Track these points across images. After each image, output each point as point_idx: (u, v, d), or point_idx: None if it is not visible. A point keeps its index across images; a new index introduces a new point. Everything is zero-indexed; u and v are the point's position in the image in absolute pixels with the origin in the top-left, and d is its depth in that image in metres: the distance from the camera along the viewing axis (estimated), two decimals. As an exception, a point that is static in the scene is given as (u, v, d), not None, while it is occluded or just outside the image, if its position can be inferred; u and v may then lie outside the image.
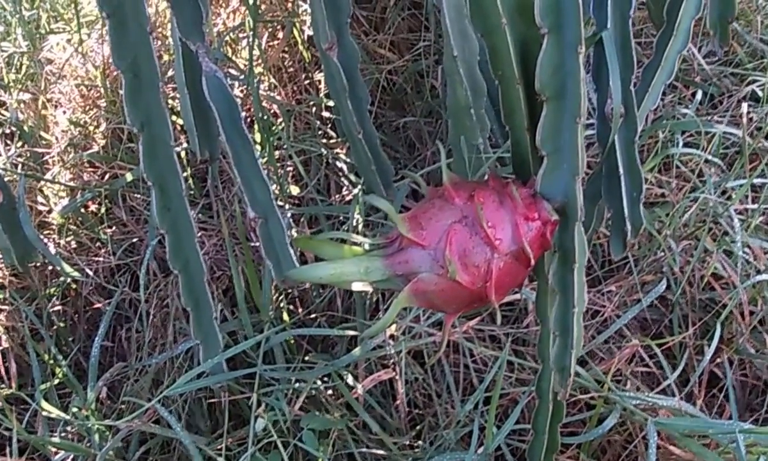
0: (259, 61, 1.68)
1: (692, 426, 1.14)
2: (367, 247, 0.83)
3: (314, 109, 1.65)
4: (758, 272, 1.38)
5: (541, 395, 1.01)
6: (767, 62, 1.75)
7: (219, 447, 1.24)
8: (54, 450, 1.28)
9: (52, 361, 1.37)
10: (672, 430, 1.13)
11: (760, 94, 1.68)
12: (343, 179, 1.55)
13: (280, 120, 1.63)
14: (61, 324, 1.48)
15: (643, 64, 1.09)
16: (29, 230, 1.34)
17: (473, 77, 1.22)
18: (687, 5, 1.08)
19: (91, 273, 1.50)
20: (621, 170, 0.97)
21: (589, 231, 1.02)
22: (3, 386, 1.39)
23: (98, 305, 1.51)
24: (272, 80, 1.70)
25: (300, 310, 1.44)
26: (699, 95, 1.62)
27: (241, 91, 1.72)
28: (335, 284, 0.81)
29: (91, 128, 1.69)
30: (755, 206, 1.46)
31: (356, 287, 0.82)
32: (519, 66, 0.82)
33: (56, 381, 1.37)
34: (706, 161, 1.50)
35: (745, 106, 1.53)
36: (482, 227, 0.79)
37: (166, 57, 1.76)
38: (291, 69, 1.73)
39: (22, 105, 1.74)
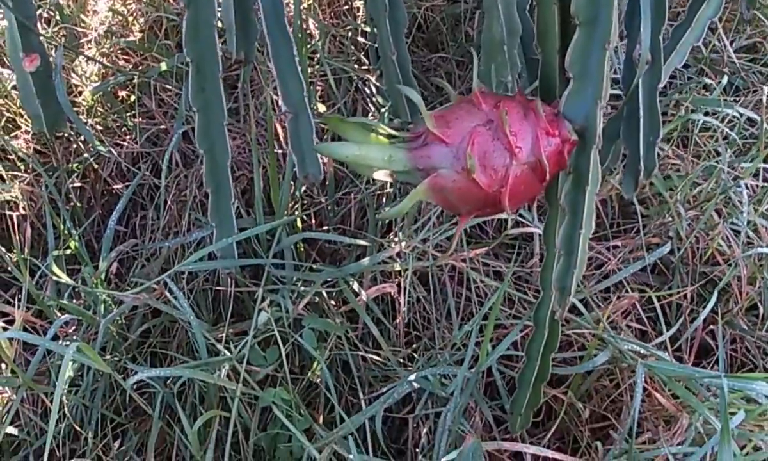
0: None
1: (679, 372, 1.17)
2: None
3: (350, 33, 1.68)
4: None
5: (537, 323, 1.05)
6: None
7: (220, 335, 1.28)
8: (59, 314, 1.32)
9: (66, 233, 1.42)
10: (660, 373, 1.17)
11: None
12: (370, 104, 1.59)
13: (315, 40, 1.66)
14: (78, 203, 1.52)
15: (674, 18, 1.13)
16: (62, 97, 1.37)
17: (510, 15, 1.25)
18: (723, -24, 1.12)
19: (114, 153, 1.54)
20: (641, 113, 1.01)
21: (603, 166, 1.06)
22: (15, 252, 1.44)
23: (118, 186, 1.55)
24: (312, 2, 1.73)
25: (313, 222, 1.48)
26: (725, 81, 1.65)
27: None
28: (358, 166, 0.85)
29: (129, 20, 1.73)
30: (765, 184, 1.50)
31: (377, 175, 0.86)
32: (557, -12, 0.86)
33: (68, 252, 1.42)
34: (724, 138, 1.53)
35: (766, 89, 1.56)
36: (505, 134, 0.82)
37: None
38: (332, -6, 1.77)
39: (62, -10, 1.78)
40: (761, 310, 1.41)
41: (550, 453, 1.16)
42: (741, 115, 1.58)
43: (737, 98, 1.72)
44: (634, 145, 1.03)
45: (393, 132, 0.86)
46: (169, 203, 1.48)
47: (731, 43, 1.81)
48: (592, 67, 0.85)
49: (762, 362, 1.39)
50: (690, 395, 1.16)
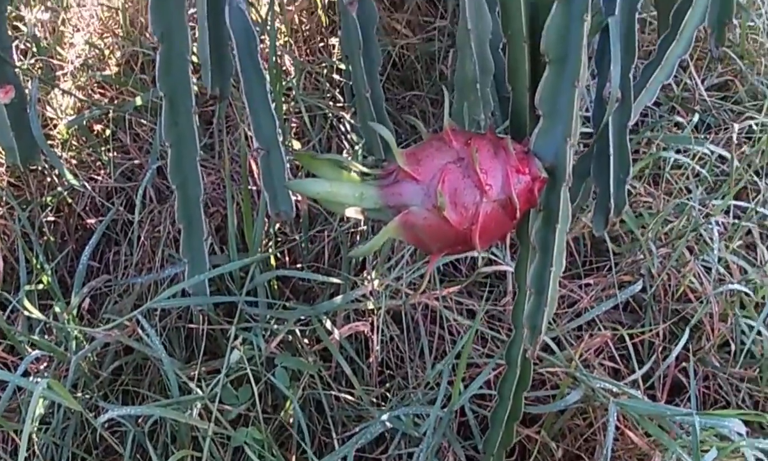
0: (278, 16, 1.72)
1: (652, 411, 1.18)
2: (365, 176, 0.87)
3: (325, 70, 1.69)
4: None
5: (509, 361, 1.05)
6: (766, 103, 1.80)
7: (192, 373, 1.27)
8: (30, 350, 1.31)
9: (38, 267, 1.40)
10: (632, 412, 1.17)
11: (755, 129, 1.74)
12: (344, 141, 1.59)
13: (290, 77, 1.67)
14: (52, 238, 1.51)
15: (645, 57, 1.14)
16: (37, 130, 1.36)
17: (483, 53, 1.26)
18: (692, 13, 1.13)
19: (89, 187, 1.53)
20: (611, 150, 1.01)
21: (574, 204, 1.07)
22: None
23: (91, 221, 1.54)
24: (288, 39, 1.74)
25: (287, 260, 1.47)
26: (696, 118, 1.67)
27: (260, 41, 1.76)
28: (329, 204, 0.85)
29: (106, 53, 1.73)
30: (735, 221, 1.51)
31: (349, 212, 0.86)
32: (527, 27, 0.87)
33: (40, 287, 1.40)
34: (696, 175, 1.55)
35: (737, 128, 1.58)
36: (475, 171, 0.83)
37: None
38: (307, 32, 1.77)
39: (40, 23, 1.78)
40: (733, 347, 1.41)
41: (524, 493, 1.15)
42: (712, 152, 1.59)
43: (708, 136, 1.74)
44: (604, 182, 1.03)
45: (364, 169, 0.87)
46: (142, 238, 1.47)
47: (703, 81, 1.84)
48: (562, 105, 0.86)
49: (734, 399, 1.40)
50: (662, 433, 1.16)
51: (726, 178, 1.61)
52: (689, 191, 1.56)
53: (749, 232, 1.55)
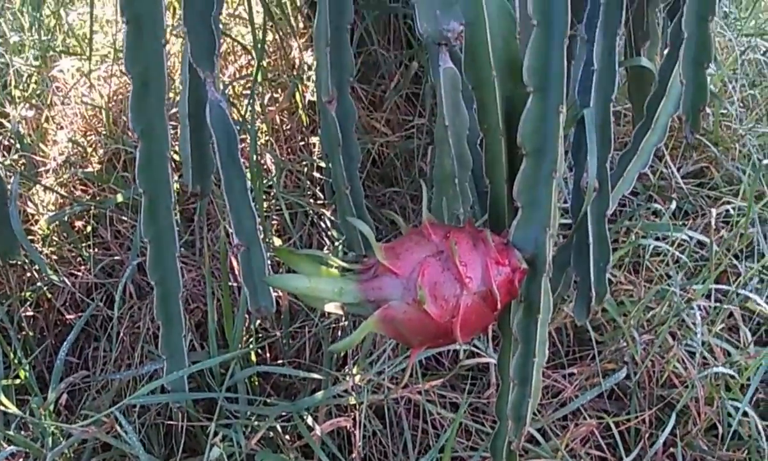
0: (260, 116, 1.74)
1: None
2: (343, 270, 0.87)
3: (306, 169, 1.70)
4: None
5: (494, 453, 1.04)
6: (742, 187, 1.82)
7: (172, 471, 1.25)
8: (5, 445, 1.28)
9: (16, 362, 1.38)
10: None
11: (733, 214, 1.76)
12: (325, 237, 1.60)
13: (271, 175, 1.68)
14: (30, 332, 1.49)
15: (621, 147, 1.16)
16: (17, 225, 1.36)
17: (461, 149, 1.27)
18: (666, 102, 1.15)
19: (68, 283, 1.52)
20: (591, 240, 1.02)
21: (555, 295, 1.07)
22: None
23: (70, 317, 1.53)
24: (269, 139, 1.76)
25: (268, 356, 1.46)
26: (673, 205, 1.69)
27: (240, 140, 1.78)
28: (309, 299, 0.85)
29: (88, 151, 1.74)
30: (717, 304, 1.52)
31: (329, 307, 0.85)
32: (504, 120, 0.88)
33: (17, 381, 1.38)
34: (675, 262, 1.56)
35: (714, 213, 1.60)
36: (455, 264, 0.83)
37: (170, 94, 1.83)
38: (288, 131, 1.79)
39: (24, 121, 1.79)
40: (720, 429, 1.40)
41: None
42: (691, 238, 1.61)
43: (686, 222, 1.76)
44: (585, 272, 1.04)
45: (344, 264, 0.87)
46: (121, 334, 1.46)
47: (678, 169, 1.87)
48: (540, 196, 0.87)
49: (724, 482, 1.38)
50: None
51: (706, 262, 1.62)
52: (669, 277, 1.57)
53: (731, 314, 1.55)
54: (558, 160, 0.85)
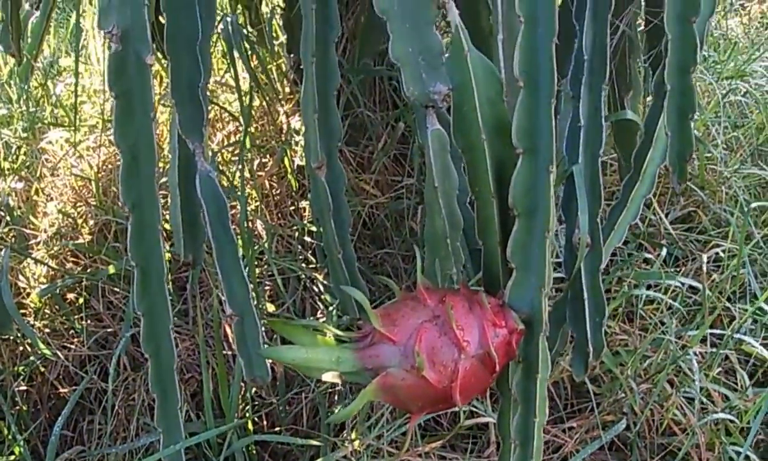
0: (249, 182, 1.75)
1: None
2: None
3: (297, 233, 1.70)
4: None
5: (498, 513, 1.02)
6: (731, 229, 1.83)
7: None
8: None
9: (10, 438, 1.37)
10: None
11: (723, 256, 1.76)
12: (318, 302, 1.59)
13: (262, 240, 1.68)
14: (24, 407, 1.47)
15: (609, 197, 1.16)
16: (8, 299, 1.35)
17: (451, 209, 1.27)
18: (653, 153, 1.16)
19: (61, 356, 1.51)
20: (585, 295, 1.02)
21: (552, 352, 1.06)
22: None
23: (64, 391, 1.51)
24: (259, 204, 1.76)
25: (265, 423, 1.45)
26: (664, 252, 1.70)
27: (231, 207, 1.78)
28: (305, 370, 0.84)
29: (79, 222, 1.73)
30: (713, 349, 1.51)
31: (326, 377, 0.85)
32: (495, 182, 0.88)
33: (11, 457, 1.36)
34: (668, 308, 1.56)
35: (705, 257, 1.60)
36: (452, 328, 0.83)
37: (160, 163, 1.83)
38: (278, 196, 1.80)
39: (13, 193, 1.79)
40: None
41: None
42: (683, 284, 1.61)
43: (677, 268, 1.76)
44: (581, 328, 1.04)
45: (340, 333, 0.86)
46: (116, 407, 1.44)
47: (666, 215, 1.88)
48: (534, 256, 0.87)
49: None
50: None
51: (698, 307, 1.62)
52: (663, 324, 1.57)
53: (727, 358, 1.55)
54: (550, 219, 0.86)
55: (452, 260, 1.33)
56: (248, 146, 1.71)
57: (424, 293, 0.86)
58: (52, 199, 1.83)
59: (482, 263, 0.94)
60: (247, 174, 1.72)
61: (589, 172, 1.06)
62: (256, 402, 1.45)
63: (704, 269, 1.62)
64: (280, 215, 1.77)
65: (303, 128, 1.29)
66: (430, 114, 1.06)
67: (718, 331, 1.57)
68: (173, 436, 1.18)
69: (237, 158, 1.83)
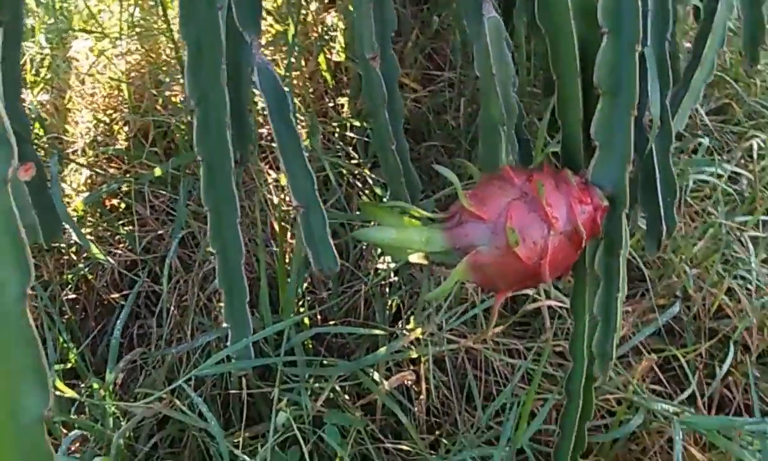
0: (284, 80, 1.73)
1: (719, 424, 1.17)
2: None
3: (337, 129, 1.69)
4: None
5: (570, 394, 1.04)
6: (765, 122, 1.83)
7: (235, 440, 1.25)
8: (65, 431, 1.27)
9: (63, 346, 1.38)
10: (698, 428, 1.16)
11: (756, 148, 1.76)
12: (364, 196, 1.59)
13: (303, 139, 1.67)
14: (73, 316, 1.49)
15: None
16: (60, 207, 1.34)
17: (508, 97, 1.27)
18: (712, 39, 1.16)
19: (113, 262, 1.51)
20: (657, 176, 1.02)
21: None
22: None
23: (114, 296, 1.52)
24: (298, 102, 1.75)
25: (319, 318, 1.46)
26: (706, 142, 1.70)
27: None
28: (394, 251, 0.85)
29: (115, 128, 1.72)
30: (764, 235, 1.53)
31: (413, 258, 0.86)
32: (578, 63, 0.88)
33: (67, 367, 1.38)
34: (712, 195, 1.57)
35: (755, 143, 1.61)
36: (541, 205, 0.83)
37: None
38: (313, 94, 1.78)
39: (41, 105, 1.77)
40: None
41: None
42: (728, 172, 1.62)
43: (712, 160, 1.76)
44: (654, 208, 1.04)
45: (428, 214, 0.87)
46: (172, 307, 1.45)
47: (701, 106, 1.87)
48: (618, 134, 0.87)
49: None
50: (732, 445, 1.16)
51: (740, 195, 1.63)
52: (709, 214, 1.57)
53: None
54: (635, 98, 0.86)
55: (508, 147, 1.34)
56: (288, 43, 1.68)
57: (511, 173, 0.87)
58: (81, 110, 1.81)
59: (561, 142, 0.94)
60: (282, 72, 1.69)
61: (658, 54, 1.05)
62: (307, 298, 1.46)
63: (755, 154, 1.62)
64: (317, 112, 1.75)
65: (355, 19, 1.27)
66: (486, 2, 1.06)
67: (764, 217, 1.58)
68: (241, 331, 1.20)
69: (274, 57, 1.81)
